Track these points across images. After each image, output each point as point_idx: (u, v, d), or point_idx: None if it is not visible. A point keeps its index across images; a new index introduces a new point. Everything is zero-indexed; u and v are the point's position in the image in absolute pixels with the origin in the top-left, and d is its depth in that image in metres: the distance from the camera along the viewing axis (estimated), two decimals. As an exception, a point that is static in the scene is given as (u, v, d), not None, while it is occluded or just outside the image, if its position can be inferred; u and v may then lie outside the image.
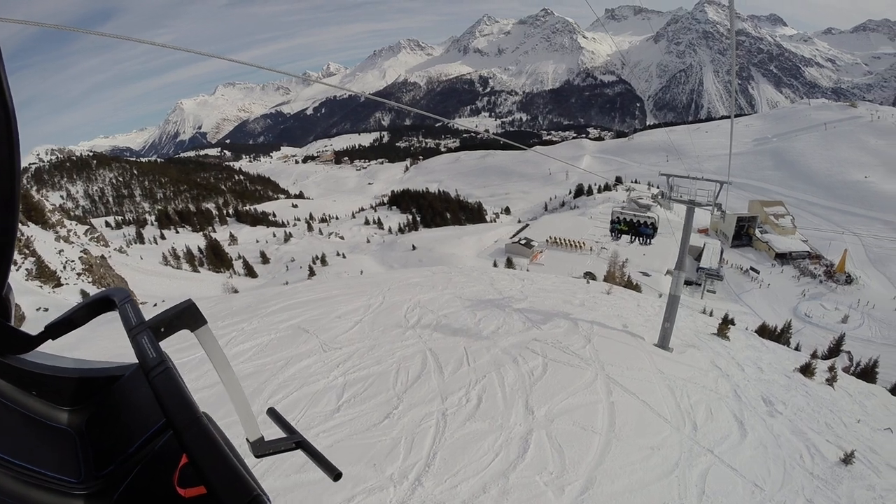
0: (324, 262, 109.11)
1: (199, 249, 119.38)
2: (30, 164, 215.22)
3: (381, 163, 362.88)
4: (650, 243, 17.67)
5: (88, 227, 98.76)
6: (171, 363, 1.15)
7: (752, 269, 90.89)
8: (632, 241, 18.16)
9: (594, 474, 7.54)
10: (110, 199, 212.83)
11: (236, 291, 41.98)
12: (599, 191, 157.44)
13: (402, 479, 6.89)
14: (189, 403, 1.04)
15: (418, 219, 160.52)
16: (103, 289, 1.60)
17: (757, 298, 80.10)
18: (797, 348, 32.71)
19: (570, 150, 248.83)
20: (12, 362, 1.46)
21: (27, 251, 60.29)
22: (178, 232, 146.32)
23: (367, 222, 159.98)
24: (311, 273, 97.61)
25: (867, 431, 12.61)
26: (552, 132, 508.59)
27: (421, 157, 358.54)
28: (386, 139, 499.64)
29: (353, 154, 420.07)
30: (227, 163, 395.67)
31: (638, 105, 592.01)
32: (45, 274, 59.75)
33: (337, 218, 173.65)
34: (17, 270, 57.25)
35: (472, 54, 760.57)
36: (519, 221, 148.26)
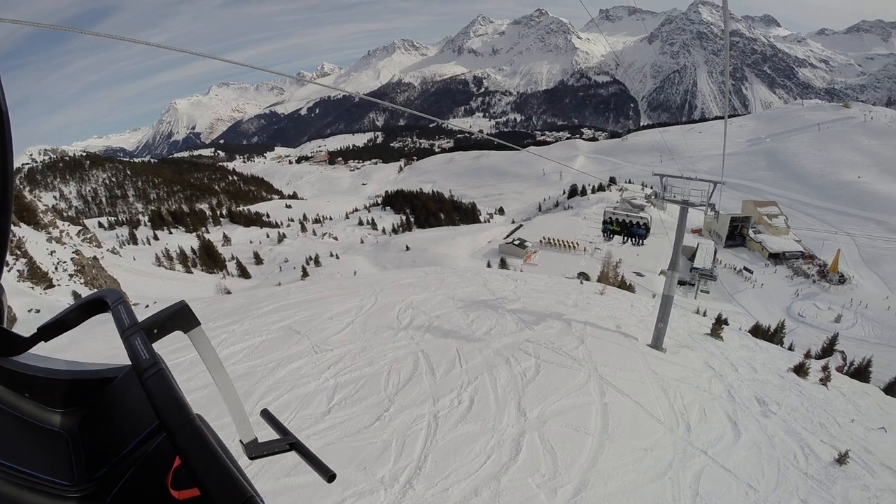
0: (317, 262, 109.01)
1: (193, 250, 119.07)
2: (23, 165, 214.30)
3: (375, 163, 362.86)
4: (643, 244, 17.59)
5: (81, 227, 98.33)
6: (164, 365, 1.14)
7: (745, 269, 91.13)
8: (624, 242, 18.05)
9: (587, 476, 7.48)
10: (103, 199, 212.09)
11: (229, 292, 41.82)
12: (593, 191, 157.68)
13: (393, 482, 6.83)
14: (182, 405, 1.03)
15: (412, 219, 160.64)
16: (96, 290, 1.62)
17: (750, 298, 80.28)
18: (791, 348, 32.69)
19: (564, 151, 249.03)
20: (5, 364, 1.44)
21: (19, 252, 59.94)
22: (171, 233, 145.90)
23: (360, 223, 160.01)
24: (305, 274, 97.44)
25: (861, 431, 12.59)
26: (546, 132, 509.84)
27: (415, 157, 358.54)
28: (380, 139, 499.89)
29: (346, 154, 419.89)
30: (220, 163, 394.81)
31: (632, 105, 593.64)
32: (36, 275, 59.40)
33: (331, 218, 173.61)
34: (8, 272, 56.84)
35: (467, 54, 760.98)
36: (513, 222, 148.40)
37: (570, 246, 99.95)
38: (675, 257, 14.95)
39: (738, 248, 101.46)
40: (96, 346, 11.24)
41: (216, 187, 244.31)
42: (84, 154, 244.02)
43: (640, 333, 15.18)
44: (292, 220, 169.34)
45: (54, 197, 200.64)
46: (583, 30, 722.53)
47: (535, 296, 18.46)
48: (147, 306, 45.93)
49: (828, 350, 39.87)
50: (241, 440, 1.47)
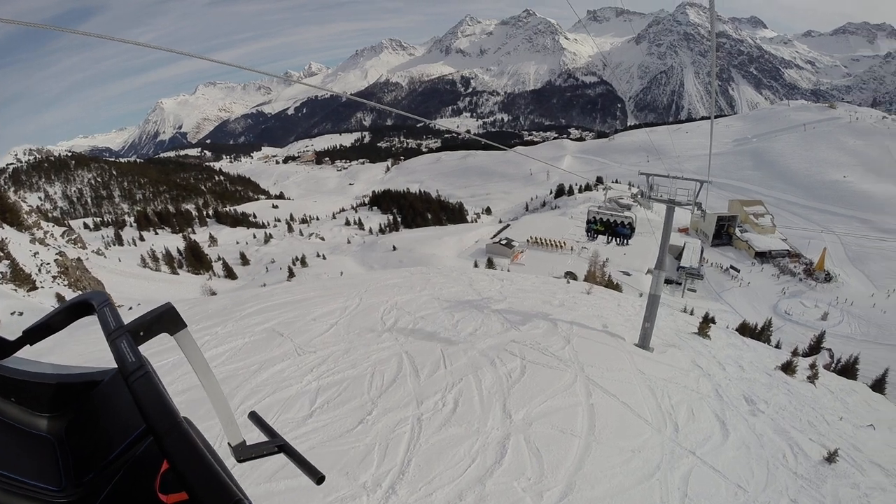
0: (304, 263, 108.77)
1: (179, 251, 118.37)
2: (7, 165, 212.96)
3: (363, 163, 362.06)
4: (627, 244, 17.39)
5: (66, 228, 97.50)
6: (150, 367, 1.14)
7: (732, 267, 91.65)
8: (608, 242, 17.80)
9: (573, 479, 7.35)
10: (89, 200, 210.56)
11: (214, 294, 41.56)
12: (580, 191, 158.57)
13: (376, 487, 6.67)
14: (169, 408, 1.03)
15: (399, 219, 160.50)
16: (81, 292, 1.64)
17: (737, 297, 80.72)
18: (778, 346, 32.87)
19: (552, 151, 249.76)
20: None
21: (1, 254, 59.25)
22: (157, 233, 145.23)
23: (347, 223, 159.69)
24: (291, 274, 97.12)
25: (850, 429, 12.63)
26: (533, 132, 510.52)
27: (402, 157, 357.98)
28: (367, 139, 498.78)
29: (334, 154, 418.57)
30: (207, 163, 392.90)
31: (619, 106, 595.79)
32: (19, 277, 58.67)
33: (317, 219, 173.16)
34: (-10, 274, 56.36)
35: (455, 55, 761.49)
36: (500, 221, 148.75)
37: (557, 245, 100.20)
38: (661, 256, 14.88)
39: (725, 247, 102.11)
40: (78, 350, 11.03)
41: (202, 187, 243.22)
42: (69, 154, 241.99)
43: (627, 333, 15.08)
44: (279, 221, 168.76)
45: (39, 197, 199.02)
46: (570, 30, 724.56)
47: (521, 296, 18.30)
48: (130, 308, 45.48)
49: (815, 348, 40.02)
50: (228, 443, 1.46)
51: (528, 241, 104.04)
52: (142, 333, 1.28)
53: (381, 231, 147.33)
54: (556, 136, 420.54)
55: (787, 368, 16.26)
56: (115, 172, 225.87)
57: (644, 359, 12.97)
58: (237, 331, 12.21)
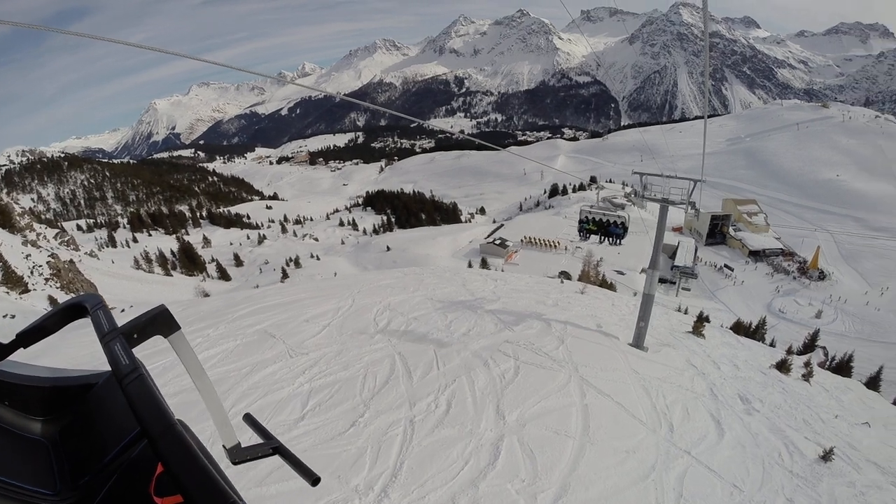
0: (297, 264, 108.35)
1: (172, 252, 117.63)
2: (0, 167, 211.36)
3: (356, 163, 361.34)
4: (620, 244, 17.33)
5: (59, 230, 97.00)
6: (144, 370, 1.14)
7: (726, 266, 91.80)
8: (601, 242, 17.80)
9: (568, 481, 7.28)
10: (82, 201, 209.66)
11: (207, 295, 41.38)
12: (574, 190, 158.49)
13: (368, 490, 6.59)
14: (163, 411, 1.03)
15: (393, 220, 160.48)
16: (74, 295, 1.63)
17: (731, 295, 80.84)
18: (772, 344, 32.89)
19: (545, 151, 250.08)
20: None
21: (-7, 256, 58.94)
22: (150, 235, 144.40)
23: (341, 223, 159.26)
24: (285, 275, 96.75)
25: (845, 427, 12.61)
26: (527, 132, 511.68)
27: (396, 157, 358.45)
28: (361, 140, 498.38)
29: (327, 155, 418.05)
30: (200, 164, 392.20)
31: (612, 105, 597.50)
32: (11, 280, 58.31)
33: (311, 219, 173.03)
34: (-17, 276, 56.04)
35: (448, 55, 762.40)
36: (494, 221, 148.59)
37: (551, 245, 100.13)
38: (655, 255, 14.83)
39: (719, 246, 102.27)
40: (72, 353, 11.03)
41: (196, 188, 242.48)
42: (62, 155, 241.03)
43: (622, 332, 15.05)
44: (273, 222, 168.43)
45: (32, 199, 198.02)
46: (564, 30, 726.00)
47: (514, 296, 18.28)
48: (123, 310, 45.18)
49: (809, 346, 40.08)
50: (223, 445, 1.47)
51: (522, 240, 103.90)
52: (135, 336, 1.27)
53: (375, 231, 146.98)
54: (549, 135, 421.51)
55: (782, 367, 16.24)
56: (108, 174, 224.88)
57: (638, 358, 12.92)
58: (229, 333, 12.15)
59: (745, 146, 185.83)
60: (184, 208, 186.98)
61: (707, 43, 7.60)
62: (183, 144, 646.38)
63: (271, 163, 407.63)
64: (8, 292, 56.92)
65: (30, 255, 66.34)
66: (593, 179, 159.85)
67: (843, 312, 73.06)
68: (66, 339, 11.64)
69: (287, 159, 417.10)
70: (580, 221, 17.37)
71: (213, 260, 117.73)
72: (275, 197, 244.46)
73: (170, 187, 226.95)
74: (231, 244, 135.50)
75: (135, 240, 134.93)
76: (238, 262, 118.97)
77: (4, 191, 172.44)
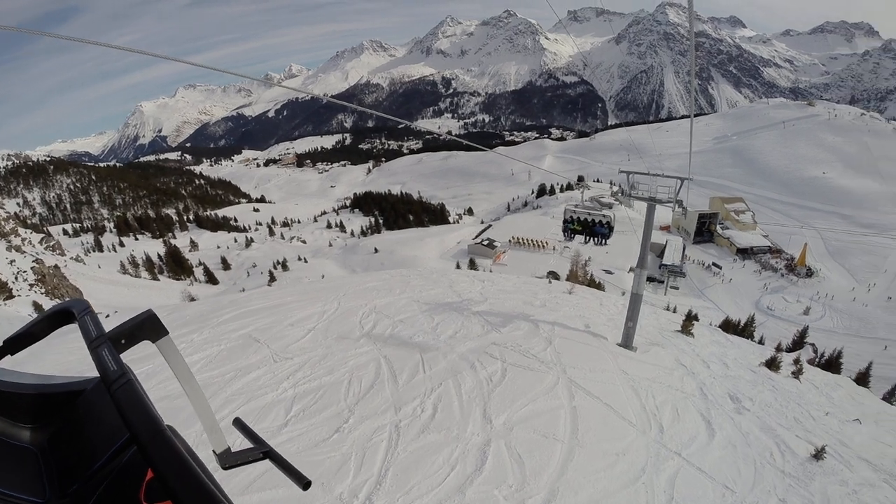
0: (285, 267, 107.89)
1: (159, 256, 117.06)
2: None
3: (344, 165, 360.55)
4: (606, 244, 17.09)
5: (44, 235, 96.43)
6: (133, 376, 1.13)
7: (714, 264, 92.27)
8: (586, 242, 17.47)
9: (556, 485, 7.16)
10: (68, 205, 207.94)
11: (193, 300, 41.11)
12: (562, 190, 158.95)
13: (352, 498, 6.46)
14: (152, 416, 1.02)
15: (381, 221, 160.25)
16: (59, 301, 1.61)
17: (720, 293, 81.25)
18: (761, 342, 32.96)
19: (533, 151, 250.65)
20: None
21: (-24, 262, 58.41)
22: (137, 239, 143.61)
23: (329, 226, 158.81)
24: (272, 279, 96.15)
25: (836, 424, 12.59)
26: (515, 133, 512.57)
27: (384, 158, 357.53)
28: (348, 141, 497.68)
29: (315, 157, 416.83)
30: (187, 167, 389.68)
31: (599, 105, 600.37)
32: (-5, 285, 57.89)
33: (299, 222, 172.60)
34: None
35: (435, 55, 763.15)
36: (482, 222, 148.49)
37: (539, 245, 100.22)
38: (643, 254, 14.74)
39: (707, 244, 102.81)
40: (55, 359, 10.90)
41: (183, 191, 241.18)
42: (48, 159, 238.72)
43: (610, 332, 14.96)
44: (260, 224, 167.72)
45: (17, 204, 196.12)
46: (551, 31, 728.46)
47: (502, 297, 18.17)
48: (108, 316, 44.93)
49: (798, 343, 40.25)
50: (213, 450, 1.46)
51: (510, 241, 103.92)
52: (123, 341, 1.27)
53: (363, 233, 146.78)
54: (537, 136, 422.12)
55: (772, 364, 16.21)
56: (94, 177, 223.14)
57: (627, 359, 12.83)
58: (213, 337, 11.99)
59: (731, 145, 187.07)
60: (171, 212, 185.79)
61: (693, 42, 7.55)
62: (170, 147, 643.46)
63: (258, 165, 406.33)
64: (-8, 298, 56.46)
65: (14, 260, 65.88)
66: (580, 179, 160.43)
67: (831, 309, 73.68)
68: (52, 345, 11.45)
69: (274, 161, 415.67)
70: (565, 221, 17.15)
71: (200, 263, 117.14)
72: (262, 199, 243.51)
73: (156, 191, 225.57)
74: (218, 247, 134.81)
75: (121, 244, 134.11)
76: (225, 265, 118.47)
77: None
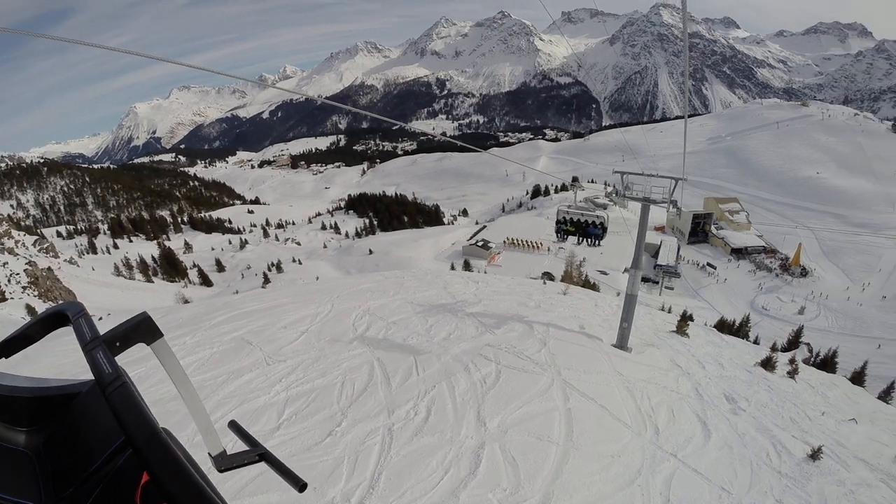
0: (279, 268, 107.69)
1: (153, 258, 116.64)
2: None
3: (338, 166, 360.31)
4: (599, 244, 17.00)
5: (38, 237, 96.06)
6: (127, 378, 1.13)
7: (708, 264, 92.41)
8: (579, 243, 17.46)
9: (551, 489, 7.09)
10: (62, 207, 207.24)
11: (187, 302, 40.92)
12: (556, 191, 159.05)
13: (345, 502, 6.38)
14: (147, 419, 1.02)
15: (375, 223, 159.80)
16: (52, 303, 1.61)
17: (715, 293, 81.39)
18: (756, 341, 32.93)
19: (527, 152, 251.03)
20: None
21: (-32, 265, 58.09)
22: (131, 241, 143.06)
23: (323, 227, 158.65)
24: (266, 280, 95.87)
25: (832, 423, 12.56)
26: (509, 134, 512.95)
27: (378, 160, 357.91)
28: (343, 143, 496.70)
29: (309, 158, 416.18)
30: (181, 168, 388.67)
31: (594, 106, 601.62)
32: (-12, 288, 57.58)
33: (293, 223, 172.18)
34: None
35: (430, 56, 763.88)
36: (476, 223, 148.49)
37: (534, 246, 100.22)
38: (637, 255, 14.72)
39: (701, 245, 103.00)
40: (48, 361, 10.80)
41: (177, 193, 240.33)
42: (42, 161, 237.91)
43: (605, 333, 14.91)
44: (255, 226, 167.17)
45: (11, 206, 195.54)
46: (545, 32, 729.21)
47: (496, 298, 18.08)
48: (100, 318, 44.67)
49: (794, 342, 40.21)
50: (209, 453, 1.47)
51: (504, 242, 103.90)
52: (118, 344, 1.26)
53: (358, 235, 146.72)
54: (531, 137, 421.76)
55: (767, 364, 16.19)
56: (88, 179, 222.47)
57: (622, 360, 12.78)
58: (206, 340, 11.89)
59: (725, 145, 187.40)
60: (165, 213, 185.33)
61: (686, 43, 7.55)
62: (164, 149, 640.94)
63: (253, 167, 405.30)
64: (-16, 301, 56.18)
65: (7, 262, 65.60)
66: (575, 180, 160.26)
67: (825, 308, 73.84)
68: (46, 347, 11.35)
69: (269, 163, 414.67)
70: (557, 222, 17.09)
71: (194, 265, 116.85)
72: (256, 201, 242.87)
73: (151, 192, 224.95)
74: (213, 249, 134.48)
75: (115, 246, 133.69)
76: (220, 267, 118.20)
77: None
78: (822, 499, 8.56)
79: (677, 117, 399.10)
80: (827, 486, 9.03)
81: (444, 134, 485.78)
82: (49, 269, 74.83)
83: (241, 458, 1.46)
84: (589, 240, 16.69)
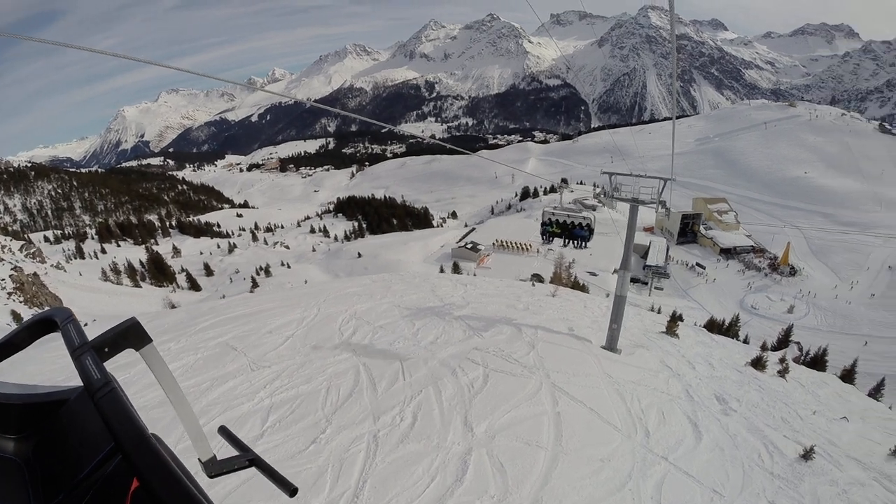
0: (268, 272, 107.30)
1: (141, 263, 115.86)
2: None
3: (327, 170, 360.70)
4: (586, 246, 16.73)
5: (24, 242, 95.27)
6: (117, 384, 1.12)
7: (697, 264, 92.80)
8: (565, 245, 17.05)
9: (540, 495, 6.96)
10: (49, 212, 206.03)
11: (174, 307, 40.63)
12: (545, 192, 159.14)
13: (329, 512, 6.18)
14: (137, 424, 1.02)
15: (364, 226, 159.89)
16: (37, 309, 1.60)
17: (704, 293, 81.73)
18: (746, 341, 33.04)
19: (516, 154, 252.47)
20: None
21: (-47, 271, 57.52)
22: (119, 245, 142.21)
23: (312, 230, 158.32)
24: (255, 285, 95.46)
25: (823, 423, 12.53)
26: (498, 136, 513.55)
27: (367, 163, 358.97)
28: (332, 145, 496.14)
29: (298, 161, 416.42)
30: (170, 172, 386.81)
31: (583, 108, 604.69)
32: (-28, 294, 57.04)
33: (282, 227, 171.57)
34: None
35: (419, 59, 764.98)
36: (465, 225, 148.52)
37: (523, 248, 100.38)
38: (626, 256, 14.62)
39: (690, 245, 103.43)
40: (32, 369, 10.60)
41: (165, 197, 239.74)
42: (29, 165, 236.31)
43: (594, 335, 14.79)
44: (243, 230, 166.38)
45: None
46: (534, 34, 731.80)
47: (484, 300, 17.95)
48: (86, 324, 44.29)
49: (783, 341, 40.32)
50: (199, 458, 1.46)
51: (494, 244, 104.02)
52: (107, 349, 1.26)
53: (347, 238, 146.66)
54: (520, 139, 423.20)
55: (758, 364, 16.14)
56: (75, 183, 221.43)
57: (612, 361, 12.68)
58: (190, 346, 11.69)
59: (713, 146, 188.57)
60: (153, 218, 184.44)
61: (675, 45, 7.47)
62: (152, 152, 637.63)
63: (241, 170, 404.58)
64: (-31, 308, 55.65)
65: (-8, 268, 64.89)
66: (564, 181, 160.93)
67: (814, 307, 74.32)
68: (31, 355, 11.12)
69: (257, 166, 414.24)
70: (543, 224, 16.85)
71: (182, 270, 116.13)
72: (245, 205, 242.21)
73: (139, 196, 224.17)
74: (201, 253, 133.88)
75: (103, 251, 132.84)
76: (208, 271, 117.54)
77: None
78: (815, 499, 8.51)
79: (666, 119, 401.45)
80: (820, 486, 8.97)
81: (433, 136, 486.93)
82: (35, 274, 74.26)
83: (231, 464, 1.45)
84: (575, 242, 16.44)
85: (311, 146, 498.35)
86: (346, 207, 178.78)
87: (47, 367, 10.51)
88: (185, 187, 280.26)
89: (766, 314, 71.49)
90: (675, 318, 21.56)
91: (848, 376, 30.44)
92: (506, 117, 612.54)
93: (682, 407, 10.85)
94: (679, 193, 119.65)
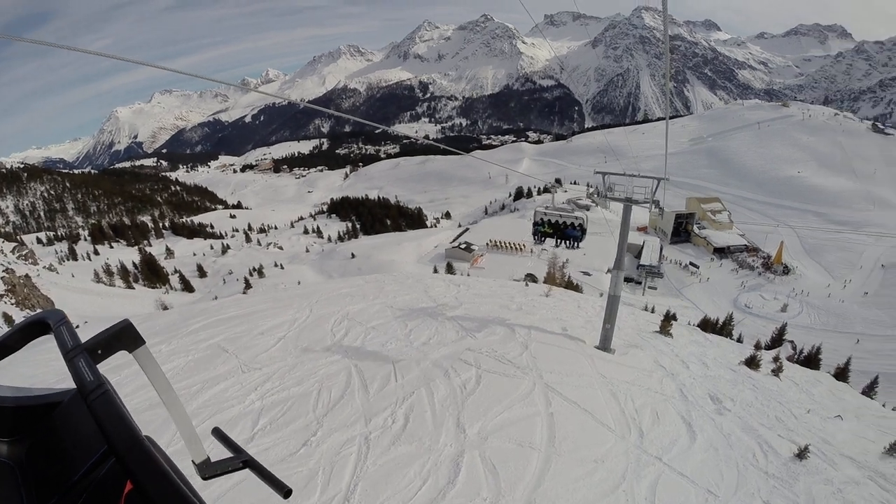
0: (261, 273, 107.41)
1: (134, 264, 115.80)
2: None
3: (321, 170, 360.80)
4: (578, 247, 16.56)
5: (17, 244, 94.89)
6: (110, 386, 1.12)
7: (691, 264, 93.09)
8: (557, 245, 16.86)
9: (533, 496, 6.89)
10: (42, 213, 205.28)
11: (166, 308, 40.45)
12: (539, 193, 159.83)
13: (319, 515, 6.08)
14: (130, 427, 1.01)
15: (358, 226, 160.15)
16: (29, 311, 1.59)
17: (698, 292, 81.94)
18: (740, 340, 33.12)
19: (510, 154, 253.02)
20: None
21: (-56, 273, 57.17)
22: (112, 247, 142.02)
23: (306, 231, 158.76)
24: (248, 286, 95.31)
25: (818, 421, 12.49)
26: (492, 136, 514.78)
27: (361, 163, 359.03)
28: (325, 146, 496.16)
29: (292, 162, 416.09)
30: (163, 173, 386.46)
31: (576, 108, 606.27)
32: (-36, 297, 56.72)
33: (276, 228, 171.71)
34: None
35: (413, 60, 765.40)
36: (459, 226, 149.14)
37: (516, 248, 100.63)
38: (620, 256, 14.54)
39: (684, 244, 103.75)
40: (23, 371, 10.51)
41: (158, 198, 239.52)
42: (22, 166, 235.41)
43: (588, 335, 14.74)
44: (237, 231, 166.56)
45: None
46: (528, 35, 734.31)
47: (477, 301, 17.88)
48: (77, 326, 44.05)
49: (777, 340, 40.51)
50: (193, 460, 1.45)
51: (487, 244, 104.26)
52: (100, 352, 1.25)
53: (340, 239, 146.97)
54: (514, 139, 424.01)
55: (751, 363, 16.12)
56: (68, 184, 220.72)
57: (605, 362, 12.62)
58: (181, 348, 11.56)
59: (707, 146, 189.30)
60: (146, 219, 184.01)
61: (668, 46, 7.43)
62: (145, 153, 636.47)
63: (235, 171, 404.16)
64: (-40, 310, 55.34)
65: (-17, 270, 64.52)
66: (558, 181, 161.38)
67: (808, 305, 74.64)
68: (22, 356, 11.01)
69: (251, 167, 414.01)
70: (534, 224, 16.66)
71: (175, 271, 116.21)
72: (239, 206, 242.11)
73: (132, 198, 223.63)
74: (194, 255, 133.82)
75: (96, 252, 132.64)
76: (202, 272, 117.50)
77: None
78: (810, 499, 8.44)
79: (659, 119, 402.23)
80: (815, 485, 8.91)
81: (426, 137, 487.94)
82: (27, 276, 73.93)
83: (224, 466, 1.45)
84: (567, 242, 16.31)
85: (305, 147, 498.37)
86: (340, 208, 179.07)
87: (40, 370, 10.38)
88: (178, 188, 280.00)
89: (759, 313, 71.76)
90: (669, 318, 21.56)
91: (842, 374, 30.64)
92: (500, 118, 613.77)
93: (677, 407, 10.79)
94: (672, 193, 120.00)
